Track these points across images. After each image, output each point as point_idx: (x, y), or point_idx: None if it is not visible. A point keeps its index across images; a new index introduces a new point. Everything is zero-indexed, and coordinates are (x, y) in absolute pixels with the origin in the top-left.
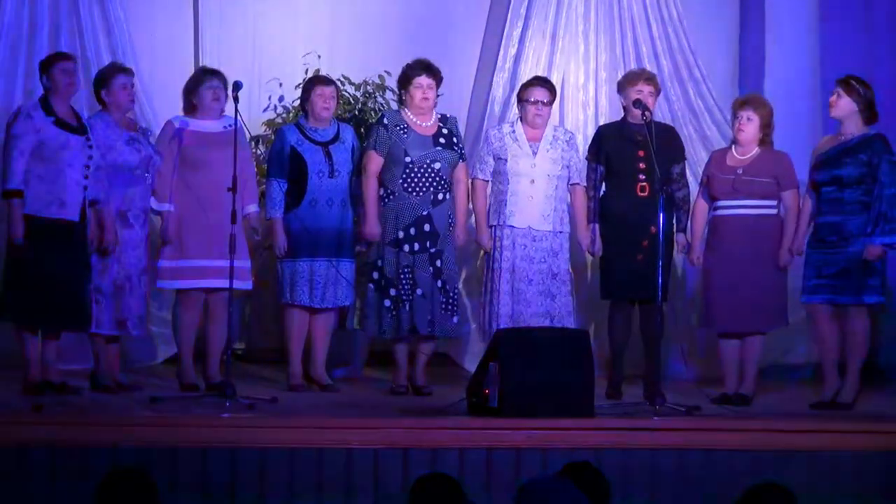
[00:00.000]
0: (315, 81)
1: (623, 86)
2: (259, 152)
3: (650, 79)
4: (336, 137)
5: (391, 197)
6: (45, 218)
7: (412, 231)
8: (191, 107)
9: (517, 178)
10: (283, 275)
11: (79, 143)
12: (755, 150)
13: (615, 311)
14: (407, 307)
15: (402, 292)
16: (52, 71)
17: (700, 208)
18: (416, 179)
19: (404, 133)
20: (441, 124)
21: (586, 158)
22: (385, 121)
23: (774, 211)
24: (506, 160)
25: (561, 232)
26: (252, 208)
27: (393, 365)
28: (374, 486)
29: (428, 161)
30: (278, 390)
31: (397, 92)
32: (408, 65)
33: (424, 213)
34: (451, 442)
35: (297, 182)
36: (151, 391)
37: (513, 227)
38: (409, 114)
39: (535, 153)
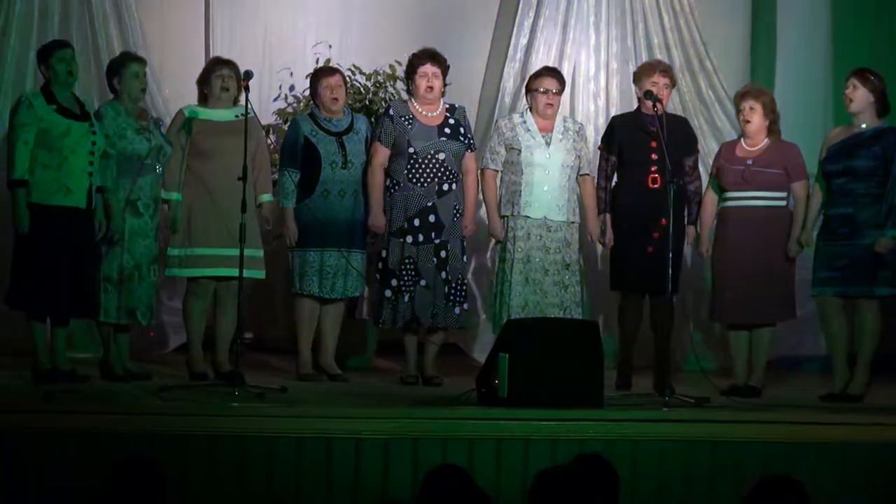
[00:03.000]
0: (319, 74)
1: (638, 77)
2: (270, 142)
3: (665, 71)
4: (350, 128)
5: (396, 188)
6: (52, 206)
7: (416, 222)
8: (203, 97)
9: (532, 169)
10: (294, 264)
11: (81, 129)
12: (764, 142)
13: (625, 303)
14: (406, 298)
15: (404, 283)
16: (49, 60)
17: (709, 200)
18: (420, 170)
19: (409, 124)
20: (448, 114)
21: (599, 148)
22: (391, 112)
23: (784, 203)
24: (519, 151)
25: (574, 222)
26: (265, 197)
27: (403, 355)
28: (383, 476)
29: (432, 152)
30: (288, 380)
31: (405, 82)
32: (413, 54)
33: (429, 203)
34: (461, 432)
35: (309, 172)
36: (161, 380)
37: (528, 217)
38: (415, 104)
39: (548, 144)
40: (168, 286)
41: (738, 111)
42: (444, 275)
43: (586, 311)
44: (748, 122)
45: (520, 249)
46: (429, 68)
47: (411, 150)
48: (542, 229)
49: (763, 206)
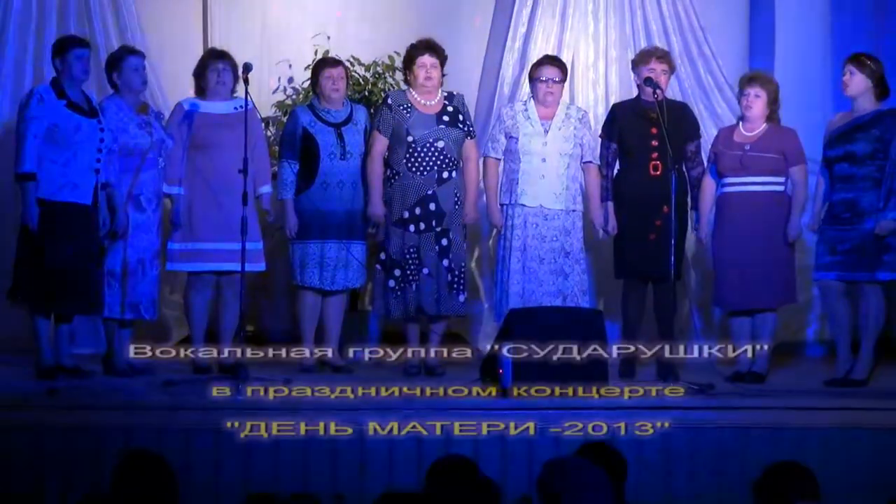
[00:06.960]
0: (322, 64)
1: (636, 64)
2: (269, 134)
3: (662, 57)
4: (349, 119)
5: (396, 177)
6: (59, 202)
7: (417, 211)
8: (200, 90)
9: (528, 157)
10: (294, 257)
11: (91, 126)
12: (762, 127)
13: (629, 290)
14: (413, 287)
15: (408, 272)
16: (66, 56)
17: (708, 186)
18: (419, 159)
19: (407, 113)
20: (447, 102)
21: (600, 136)
22: (389, 101)
23: (782, 188)
24: (517, 139)
25: (574, 210)
26: (265, 189)
27: (405, 345)
28: (388, 466)
29: (430, 140)
30: (291, 372)
31: (403, 72)
32: (412, 45)
33: (429, 192)
34: (465, 422)
35: (308, 164)
36: (164, 374)
37: (524, 205)
38: (413, 94)
39: (546, 131)
40: (169, 280)
41: (742, 95)
42: (445, 263)
43: (590, 299)
44: (750, 108)
45: (517, 238)
46: (427, 59)
47: (410, 138)
48: (539, 217)
49: (761, 192)
